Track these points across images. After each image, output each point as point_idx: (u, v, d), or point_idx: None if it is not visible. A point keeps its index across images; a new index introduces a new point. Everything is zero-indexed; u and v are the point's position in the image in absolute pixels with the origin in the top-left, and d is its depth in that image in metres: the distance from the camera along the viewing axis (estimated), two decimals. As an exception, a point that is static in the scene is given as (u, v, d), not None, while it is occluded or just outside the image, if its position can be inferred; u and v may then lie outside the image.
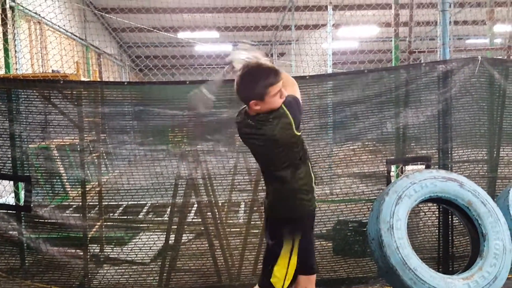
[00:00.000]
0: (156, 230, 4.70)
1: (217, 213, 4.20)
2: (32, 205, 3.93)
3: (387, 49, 8.02)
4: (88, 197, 4.21)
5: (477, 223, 3.64)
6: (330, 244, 4.41)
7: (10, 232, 4.05)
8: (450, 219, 4.06)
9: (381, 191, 3.88)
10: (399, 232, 3.44)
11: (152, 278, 4.11)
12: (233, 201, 4.56)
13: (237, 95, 2.64)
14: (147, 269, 4.24)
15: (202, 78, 4.12)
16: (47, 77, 4.59)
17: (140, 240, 4.42)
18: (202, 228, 4.18)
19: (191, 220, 4.67)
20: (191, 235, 4.61)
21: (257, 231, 4.18)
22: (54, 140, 4.32)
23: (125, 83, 5.04)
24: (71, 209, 4.83)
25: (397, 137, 4.22)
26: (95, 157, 4.41)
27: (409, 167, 4.43)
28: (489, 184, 4.28)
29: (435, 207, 4.14)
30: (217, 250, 4.08)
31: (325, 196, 4.15)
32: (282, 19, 13.57)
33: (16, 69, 6.27)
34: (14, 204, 4.28)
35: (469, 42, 14.24)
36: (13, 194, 4.37)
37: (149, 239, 4.30)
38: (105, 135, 4.29)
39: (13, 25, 6.49)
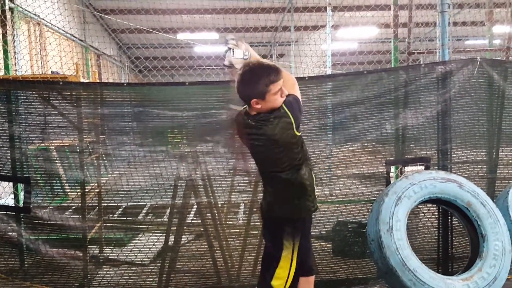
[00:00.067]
0: (155, 231, 4.69)
1: (216, 214, 4.19)
2: (31, 206, 3.93)
3: (386, 50, 8.04)
4: (87, 198, 4.21)
5: (477, 224, 3.64)
6: (330, 245, 4.41)
7: (10, 234, 4.04)
8: (449, 220, 4.06)
9: (380, 192, 3.88)
10: (399, 233, 3.44)
11: (151, 279, 4.10)
12: (233, 202, 4.55)
13: (238, 94, 2.64)
14: (147, 270, 4.23)
15: (202, 79, 4.12)
16: (46, 79, 4.58)
17: (139, 241, 4.42)
18: (202, 229, 4.18)
19: (190, 221, 4.67)
20: (190, 236, 4.60)
21: (257, 232, 4.17)
22: (53, 141, 4.31)
23: (125, 84, 5.05)
24: (70, 210, 4.82)
25: (396, 138, 4.22)
26: (94, 158, 4.41)
27: (408, 168, 4.43)
28: (489, 185, 4.28)
29: (435, 208, 4.14)
30: (217, 251, 4.08)
31: (324, 197, 4.15)
32: (281, 20, 13.57)
33: (16, 70, 6.26)
34: (13, 205, 4.28)
35: (468, 43, 14.25)
36: (12, 196, 4.37)
37: (149, 240, 4.30)
38: (104, 136, 4.29)
39: (12, 26, 6.50)
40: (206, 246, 4.11)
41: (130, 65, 19.07)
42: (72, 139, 4.20)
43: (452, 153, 4.13)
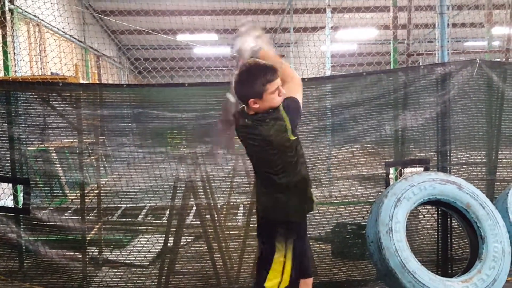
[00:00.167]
0: (155, 233, 4.68)
1: (216, 215, 4.19)
2: (30, 208, 3.92)
3: (386, 51, 8.04)
4: (87, 200, 4.21)
5: (476, 226, 3.64)
6: (329, 246, 4.41)
7: (9, 235, 4.04)
8: (449, 222, 4.06)
9: (380, 193, 3.88)
10: (398, 234, 3.44)
11: (150, 280, 4.10)
12: (232, 203, 4.56)
13: (235, 94, 2.65)
14: (146, 272, 4.23)
15: (201, 81, 4.12)
16: (46, 80, 4.59)
17: (138, 242, 4.42)
18: (201, 231, 4.18)
19: (190, 222, 4.67)
20: (190, 237, 4.60)
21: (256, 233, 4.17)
22: (53, 143, 4.31)
23: (124, 86, 5.05)
24: (69, 211, 4.81)
25: (395, 140, 4.23)
26: (94, 160, 4.41)
27: (407, 170, 4.43)
28: (488, 187, 4.28)
29: (434, 210, 4.14)
30: (216, 253, 4.08)
31: (324, 199, 4.15)
32: (281, 21, 13.58)
33: (15, 71, 6.26)
34: (13, 206, 4.27)
35: (467, 45, 14.28)
36: (12, 197, 4.37)
37: (148, 242, 4.29)
38: (104, 137, 4.29)
39: (12, 27, 6.50)
40: (206, 247, 4.10)
41: (130, 66, 19.07)
42: (72, 140, 4.20)
43: (452, 154, 4.14)
